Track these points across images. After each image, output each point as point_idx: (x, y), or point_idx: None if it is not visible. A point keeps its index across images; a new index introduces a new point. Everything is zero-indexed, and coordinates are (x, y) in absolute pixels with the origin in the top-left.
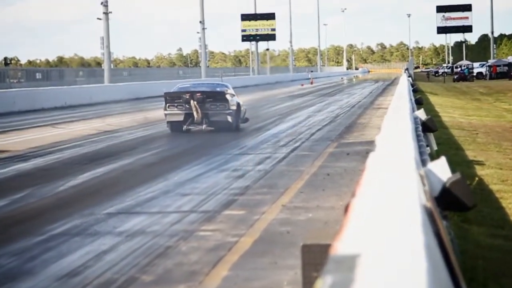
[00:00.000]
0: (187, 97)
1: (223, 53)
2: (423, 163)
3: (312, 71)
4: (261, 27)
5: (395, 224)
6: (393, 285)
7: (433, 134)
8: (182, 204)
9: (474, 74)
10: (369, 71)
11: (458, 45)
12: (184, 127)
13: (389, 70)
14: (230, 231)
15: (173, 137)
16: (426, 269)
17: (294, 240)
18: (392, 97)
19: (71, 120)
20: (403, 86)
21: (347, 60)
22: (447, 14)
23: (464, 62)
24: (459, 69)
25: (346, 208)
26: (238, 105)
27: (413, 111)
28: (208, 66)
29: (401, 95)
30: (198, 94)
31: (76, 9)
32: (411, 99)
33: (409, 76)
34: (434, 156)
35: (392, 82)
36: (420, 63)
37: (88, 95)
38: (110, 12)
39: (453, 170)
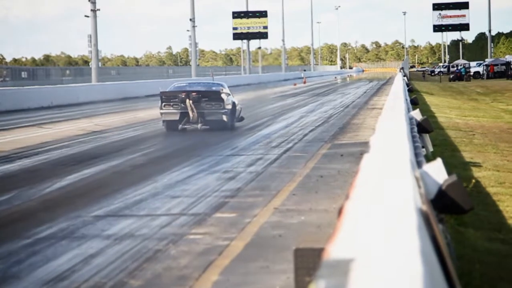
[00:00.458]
0: (183, 96)
1: (214, 52)
2: (419, 164)
3: (305, 70)
4: (253, 25)
5: (390, 227)
6: None
7: (429, 135)
8: (172, 207)
9: (471, 73)
10: (363, 70)
11: (455, 43)
12: (180, 126)
13: (384, 69)
14: (220, 235)
15: (163, 137)
16: (422, 274)
17: (287, 244)
18: (387, 97)
19: (58, 120)
20: (398, 85)
21: (341, 59)
22: (443, 12)
23: (461, 61)
24: (455, 68)
25: (339, 211)
26: (234, 104)
27: (409, 111)
28: (199, 65)
29: (396, 95)
30: (193, 93)
31: (63, 6)
32: (406, 99)
33: (404, 76)
34: (430, 158)
35: (387, 82)
36: (416, 62)
37: (75, 95)
38: (98, 9)
39: (449, 172)
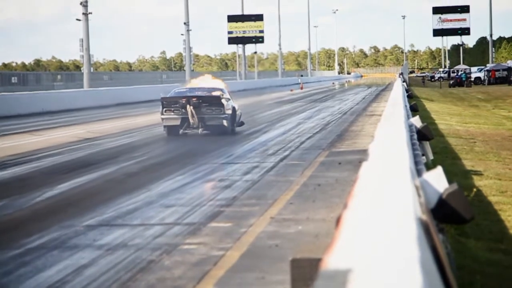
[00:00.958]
0: (184, 101)
1: (208, 56)
2: (419, 173)
3: (302, 76)
4: (249, 29)
5: (389, 237)
6: None
7: (429, 143)
8: (166, 216)
9: (472, 79)
10: (361, 76)
11: (455, 48)
12: (181, 131)
13: (382, 75)
14: (216, 245)
15: (157, 144)
16: (421, 285)
17: (283, 254)
18: (386, 103)
19: (49, 127)
20: (398, 91)
21: (339, 64)
22: (443, 16)
23: (462, 66)
24: (456, 73)
25: (337, 221)
26: (234, 109)
27: (408, 118)
28: (193, 70)
29: (395, 101)
30: (194, 99)
31: (54, 9)
32: (405, 106)
33: (403, 81)
34: (430, 166)
35: (386, 88)
36: (416, 67)
37: (67, 101)
38: (90, 13)
39: (450, 181)
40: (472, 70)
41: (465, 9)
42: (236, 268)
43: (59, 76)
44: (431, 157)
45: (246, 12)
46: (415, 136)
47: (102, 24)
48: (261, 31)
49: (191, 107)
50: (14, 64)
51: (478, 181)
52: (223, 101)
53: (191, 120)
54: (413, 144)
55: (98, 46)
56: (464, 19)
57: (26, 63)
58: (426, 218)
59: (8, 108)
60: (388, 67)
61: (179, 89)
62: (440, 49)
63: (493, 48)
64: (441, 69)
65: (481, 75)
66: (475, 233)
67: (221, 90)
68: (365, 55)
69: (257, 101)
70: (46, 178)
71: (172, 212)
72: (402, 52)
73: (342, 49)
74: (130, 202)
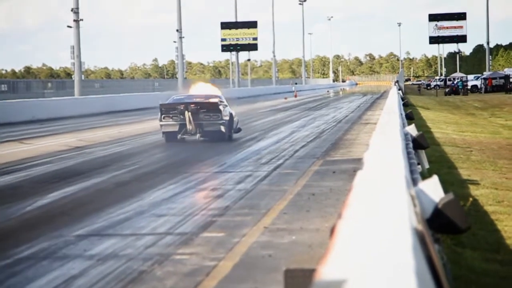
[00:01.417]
0: (182, 108)
1: (201, 64)
2: (414, 182)
3: (296, 84)
4: (242, 36)
5: (384, 248)
6: None
7: (424, 151)
8: (158, 226)
9: (469, 87)
10: (357, 84)
11: (452, 56)
12: (179, 136)
13: (378, 83)
14: (208, 255)
15: (149, 153)
16: None
17: (277, 265)
18: (381, 111)
19: (40, 135)
20: (393, 99)
21: (334, 72)
22: (440, 23)
23: (458, 74)
24: (452, 82)
25: (331, 231)
26: (231, 115)
27: (404, 126)
28: (186, 78)
29: (390, 110)
30: (192, 105)
31: (44, 16)
32: (401, 114)
33: (399, 89)
34: (425, 175)
35: (381, 96)
36: (411, 75)
37: (58, 109)
38: (81, 20)
39: (445, 190)
40: (468, 78)
41: (461, 16)
42: (229, 279)
43: (49, 84)
44: (426, 166)
45: (239, 19)
46: (411, 145)
47: (93, 31)
48: (255, 39)
49: (189, 113)
50: (3, 72)
51: (474, 191)
52: (221, 107)
53: (188, 126)
54: (408, 153)
55: (89, 53)
56: (461, 27)
57: (16, 71)
58: (422, 228)
59: None
60: (384, 75)
61: (178, 96)
62: (436, 57)
63: (490, 56)
64: (437, 77)
65: (478, 83)
66: (472, 243)
67: (218, 97)
68: (360, 63)
69: (251, 109)
70: (36, 187)
71: (164, 222)
72: (397, 59)
73: (337, 57)
74: (121, 212)
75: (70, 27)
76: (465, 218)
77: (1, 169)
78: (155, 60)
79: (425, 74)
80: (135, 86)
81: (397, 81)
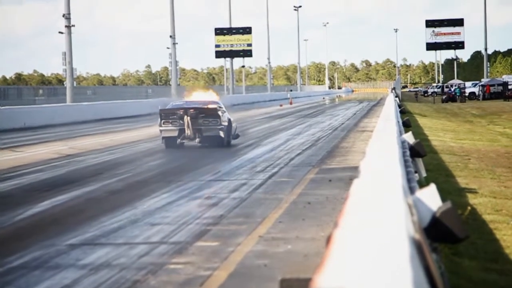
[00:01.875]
0: (181, 113)
1: (195, 70)
2: (411, 191)
3: (291, 90)
4: (237, 42)
5: (381, 257)
6: None
7: (422, 159)
8: (151, 235)
9: (466, 94)
10: (353, 91)
11: (449, 62)
12: (178, 141)
13: (374, 90)
14: (202, 264)
15: (142, 161)
16: None
17: (272, 274)
18: (378, 119)
19: (31, 143)
20: (390, 107)
21: (329, 79)
22: (437, 29)
23: (456, 81)
24: (449, 89)
25: (328, 240)
26: (229, 121)
27: (401, 134)
28: (179, 84)
29: (387, 117)
30: (191, 110)
31: (36, 21)
32: (398, 121)
33: (396, 96)
34: (423, 184)
35: (378, 103)
36: (408, 82)
37: (49, 116)
38: (73, 26)
39: (443, 199)
40: (466, 85)
41: (459, 22)
42: None
43: (41, 91)
44: (424, 174)
45: (234, 25)
46: (408, 153)
47: (85, 37)
48: (250, 45)
49: (188, 117)
50: None
51: (472, 199)
52: (219, 113)
53: (186, 131)
54: (405, 161)
55: (81, 59)
56: (458, 33)
57: (7, 77)
58: (419, 237)
59: None
60: (380, 81)
61: (177, 101)
62: (433, 64)
63: (488, 63)
64: (434, 84)
65: (476, 90)
66: (470, 253)
67: (217, 102)
68: (357, 69)
69: (245, 116)
70: (27, 195)
71: (157, 231)
72: (394, 66)
73: (333, 63)
74: (114, 221)
75: (62, 33)
76: (463, 227)
77: None
78: (148, 66)
79: (422, 81)
80: (128, 93)
81: (394, 88)
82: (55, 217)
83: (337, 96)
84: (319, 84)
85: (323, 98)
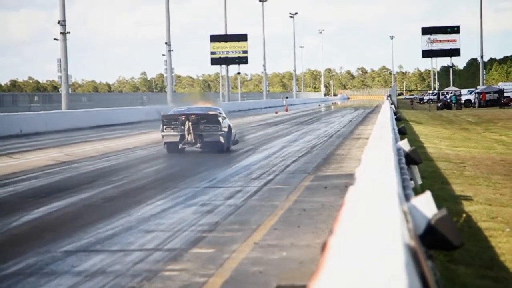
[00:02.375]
0: (183, 119)
1: (190, 77)
2: (407, 198)
3: (287, 98)
4: (232, 49)
5: (376, 264)
6: None
7: (417, 167)
8: (146, 242)
9: (462, 101)
10: (348, 98)
11: (445, 70)
12: (180, 146)
13: (370, 97)
14: (198, 271)
15: (137, 168)
16: None
17: (267, 281)
18: (373, 126)
19: (26, 150)
20: (385, 114)
21: (325, 86)
22: (433, 37)
23: (451, 88)
24: (444, 96)
25: (323, 247)
26: (229, 127)
27: (396, 141)
28: (175, 91)
29: (383, 124)
30: (193, 116)
31: (31, 28)
32: (393, 129)
33: (391, 104)
34: (418, 191)
35: (374, 110)
36: (404, 89)
37: (45, 122)
38: (68, 32)
39: (438, 206)
40: (462, 92)
41: (455, 29)
42: None
43: (36, 97)
44: (419, 181)
45: (229, 32)
46: (403, 160)
47: (80, 44)
48: (245, 52)
49: (190, 123)
50: None
51: (468, 207)
52: (220, 119)
53: (187, 136)
54: (401, 168)
55: (76, 66)
56: (454, 40)
57: (2, 84)
58: (415, 244)
59: None
60: (376, 89)
61: (178, 108)
62: (429, 71)
63: (484, 70)
64: (430, 91)
65: (472, 97)
66: (465, 260)
67: (218, 109)
68: (352, 77)
69: (241, 123)
70: (23, 202)
71: (152, 238)
72: (390, 73)
73: (329, 70)
74: (109, 227)
75: (57, 39)
76: (458, 235)
77: None
78: (144, 73)
79: (418, 88)
80: (123, 99)
81: (390, 95)
82: (51, 224)
83: (332, 103)
84: (315, 91)
85: (319, 105)
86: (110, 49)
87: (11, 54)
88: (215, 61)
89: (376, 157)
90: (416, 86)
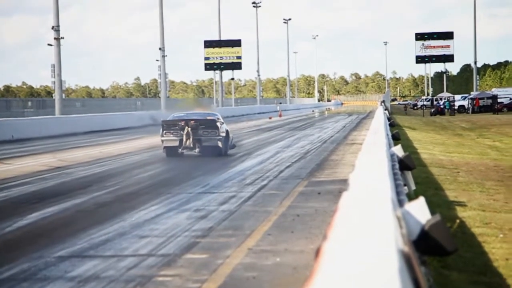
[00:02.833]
0: (182, 124)
1: (184, 83)
2: (400, 203)
3: (281, 103)
4: (226, 54)
5: (370, 270)
6: None
7: (411, 173)
8: (140, 247)
9: (456, 107)
10: (342, 103)
11: (439, 75)
12: (179, 150)
13: (364, 103)
14: (191, 277)
15: (130, 174)
16: None
17: (261, 287)
18: (367, 131)
19: (19, 155)
20: (379, 119)
21: (319, 91)
22: (427, 42)
23: (445, 94)
24: (437, 102)
25: (317, 252)
26: (227, 132)
27: (390, 147)
28: (169, 97)
29: (376, 130)
30: (192, 121)
31: (25, 33)
32: (387, 134)
33: (385, 109)
34: (412, 197)
35: (367, 116)
36: (398, 95)
37: (38, 128)
38: (62, 38)
39: (432, 212)
40: (456, 98)
41: (449, 35)
42: None
43: (29, 103)
44: (413, 187)
45: (223, 38)
46: (397, 166)
47: (74, 49)
48: (239, 57)
49: (189, 128)
50: None
51: (461, 212)
52: (218, 124)
53: (185, 141)
54: (394, 174)
55: (70, 72)
56: (448, 46)
57: None
58: (408, 250)
59: None
60: (370, 94)
61: (178, 113)
62: (423, 77)
63: (478, 76)
64: (423, 97)
65: (465, 103)
66: (458, 266)
67: (215, 114)
68: (346, 82)
69: (235, 129)
70: (16, 208)
71: (146, 243)
72: (384, 79)
73: (322, 76)
74: (103, 233)
75: (51, 45)
76: (452, 240)
77: None
78: (137, 79)
79: (412, 94)
80: (117, 105)
81: (383, 101)
82: (44, 229)
83: (326, 109)
84: (309, 97)
85: (313, 110)
86: (103, 55)
87: (4, 59)
88: (209, 67)
89: (369, 162)
90: (410, 91)
